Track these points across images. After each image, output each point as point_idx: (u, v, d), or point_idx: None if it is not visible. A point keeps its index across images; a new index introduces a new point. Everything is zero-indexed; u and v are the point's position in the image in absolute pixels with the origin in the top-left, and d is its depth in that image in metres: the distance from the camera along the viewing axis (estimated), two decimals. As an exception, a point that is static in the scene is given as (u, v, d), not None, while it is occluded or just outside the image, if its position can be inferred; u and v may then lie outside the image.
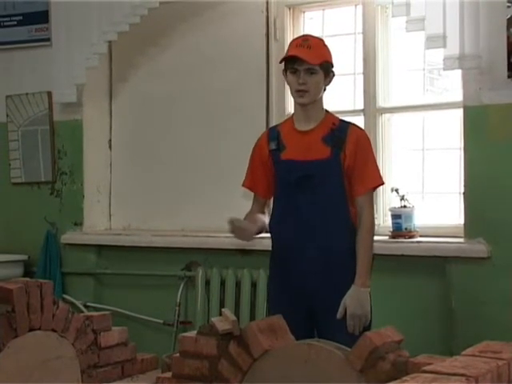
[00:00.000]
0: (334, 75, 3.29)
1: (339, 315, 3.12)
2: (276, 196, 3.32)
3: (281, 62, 3.30)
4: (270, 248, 3.41)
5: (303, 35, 3.44)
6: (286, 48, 3.39)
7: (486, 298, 3.80)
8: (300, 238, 3.21)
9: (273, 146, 3.30)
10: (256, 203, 3.41)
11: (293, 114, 3.38)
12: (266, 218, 3.38)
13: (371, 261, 3.22)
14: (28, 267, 5.09)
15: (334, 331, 3.03)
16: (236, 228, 3.23)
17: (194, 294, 4.61)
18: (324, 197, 3.20)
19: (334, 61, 3.32)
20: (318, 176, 3.19)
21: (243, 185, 3.45)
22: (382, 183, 3.35)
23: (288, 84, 3.29)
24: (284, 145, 3.28)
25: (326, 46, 3.30)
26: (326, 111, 3.32)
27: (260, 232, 3.35)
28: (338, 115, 3.41)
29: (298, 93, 3.22)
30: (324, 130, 3.23)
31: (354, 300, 3.12)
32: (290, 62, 3.22)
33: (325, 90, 3.29)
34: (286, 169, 3.25)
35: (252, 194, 3.46)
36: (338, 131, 3.22)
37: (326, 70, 3.23)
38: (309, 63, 3.17)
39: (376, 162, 3.31)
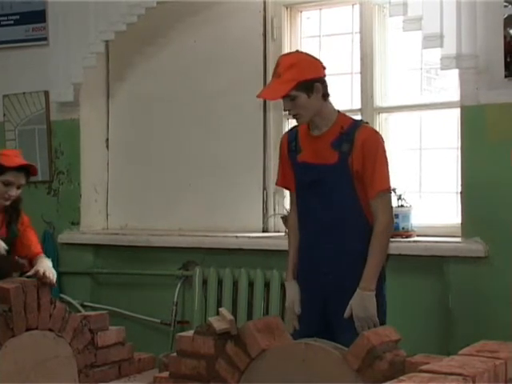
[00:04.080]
0: (319, 85, 3.18)
1: (346, 315, 3.14)
2: (297, 194, 3.36)
3: (258, 97, 3.32)
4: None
5: (279, 58, 3.31)
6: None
7: (483, 297, 3.80)
8: (318, 238, 3.24)
9: (292, 146, 3.33)
10: (293, 200, 3.41)
11: None
12: None
13: (381, 264, 3.18)
14: (25, 267, 5.09)
15: (346, 331, 3.06)
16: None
17: (191, 293, 4.61)
18: (333, 200, 3.20)
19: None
20: (325, 180, 3.19)
21: (276, 183, 3.50)
22: (387, 187, 3.23)
23: None
24: (300, 147, 3.30)
25: (301, 61, 3.21)
26: (338, 112, 3.28)
27: None
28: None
29: (292, 117, 3.27)
30: (333, 135, 3.21)
31: (358, 303, 3.13)
32: None
33: (327, 96, 3.22)
34: (301, 171, 3.28)
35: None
36: (346, 135, 3.19)
37: (306, 88, 3.14)
38: (275, 100, 3.20)
39: (384, 165, 3.21)
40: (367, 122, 3.38)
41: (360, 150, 3.15)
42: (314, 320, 3.22)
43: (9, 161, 3.75)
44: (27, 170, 3.80)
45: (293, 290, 3.31)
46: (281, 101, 4.41)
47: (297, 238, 3.35)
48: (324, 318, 3.24)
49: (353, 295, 3.14)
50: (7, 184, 3.72)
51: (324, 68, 3.24)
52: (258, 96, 3.26)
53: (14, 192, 3.74)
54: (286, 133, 3.48)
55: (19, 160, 3.79)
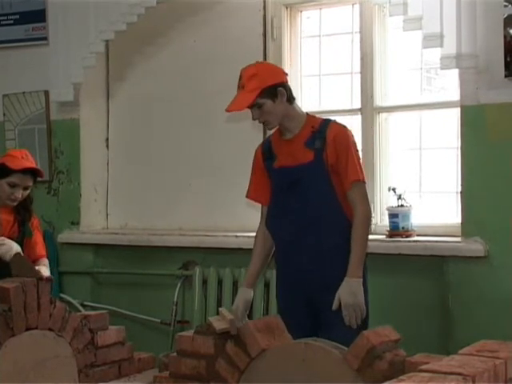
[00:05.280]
0: (285, 88, 3.30)
1: (334, 306, 3.18)
2: (272, 200, 3.43)
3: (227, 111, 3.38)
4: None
5: (241, 71, 3.36)
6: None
7: (483, 296, 3.80)
8: (295, 238, 3.30)
9: (266, 155, 3.43)
10: (264, 214, 3.49)
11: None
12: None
13: (364, 252, 3.25)
14: (25, 266, 5.08)
15: (334, 325, 3.13)
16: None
17: (191, 293, 4.61)
18: (312, 198, 3.28)
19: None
20: (304, 179, 3.29)
21: (247, 196, 3.56)
22: (362, 178, 3.32)
23: None
24: (275, 154, 3.40)
25: (262, 70, 3.34)
26: (307, 114, 3.40)
27: (263, 269, 3.53)
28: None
29: (262, 124, 3.39)
30: (306, 135, 3.33)
31: (346, 290, 3.18)
32: None
33: (290, 100, 3.32)
34: (278, 176, 3.38)
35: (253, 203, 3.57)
36: (318, 133, 3.31)
37: (270, 94, 3.26)
38: (242, 110, 3.29)
39: (356, 157, 3.32)
40: (335, 121, 3.42)
41: (332, 145, 3.27)
42: (304, 323, 3.23)
43: (15, 163, 3.76)
44: (34, 172, 3.82)
45: (243, 297, 3.34)
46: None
47: (264, 249, 3.44)
48: (314, 320, 3.28)
49: (337, 290, 3.18)
50: (13, 186, 3.74)
51: (285, 74, 3.40)
52: (226, 110, 3.37)
53: (19, 194, 3.76)
54: (259, 145, 3.57)
55: (25, 162, 3.80)
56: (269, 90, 3.26)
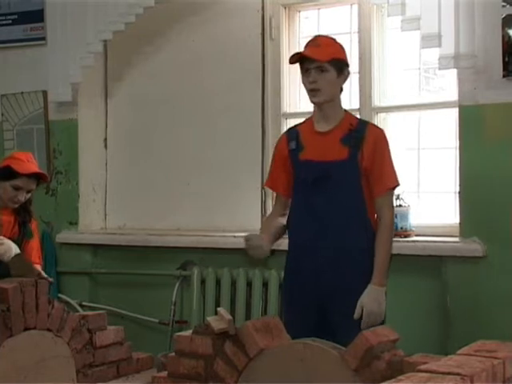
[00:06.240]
0: (349, 73, 3.28)
1: (357, 315, 3.10)
2: (294, 195, 3.33)
3: (290, 63, 3.29)
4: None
5: (314, 36, 3.36)
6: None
7: (481, 297, 3.80)
8: (315, 237, 3.21)
9: (292, 145, 3.30)
10: (278, 203, 3.43)
11: (312, 115, 3.36)
12: (285, 220, 3.38)
13: (389, 259, 3.20)
14: (23, 266, 5.08)
15: (347, 331, 3.03)
16: (251, 246, 3.22)
17: (189, 293, 4.61)
18: (340, 197, 3.19)
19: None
20: (334, 177, 3.19)
21: (265, 184, 3.52)
22: (398, 184, 3.28)
23: (303, 85, 3.29)
24: (303, 145, 3.28)
25: (337, 44, 3.30)
26: (345, 111, 3.32)
27: (277, 240, 3.37)
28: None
29: (310, 92, 3.23)
30: (343, 131, 3.23)
31: (371, 298, 3.11)
32: (301, 62, 3.23)
33: (342, 90, 3.29)
34: (303, 169, 3.25)
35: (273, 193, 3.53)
36: (356, 132, 3.21)
37: (339, 67, 3.21)
38: (315, 60, 3.15)
39: (393, 162, 3.26)
40: (372, 122, 3.43)
41: (372, 148, 3.18)
42: (308, 323, 3.16)
43: (21, 166, 3.77)
44: (38, 176, 3.83)
45: (262, 238, 3.21)
46: (279, 99, 4.39)
47: (278, 219, 3.33)
48: (322, 320, 3.21)
49: (354, 295, 3.12)
50: (17, 188, 3.75)
51: None
52: (301, 54, 3.20)
53: (22, 197, 3.78)
54: (284, 133, 3.48)
55: (32, 166, 3.82)
56: (340, 63, 3.21)
